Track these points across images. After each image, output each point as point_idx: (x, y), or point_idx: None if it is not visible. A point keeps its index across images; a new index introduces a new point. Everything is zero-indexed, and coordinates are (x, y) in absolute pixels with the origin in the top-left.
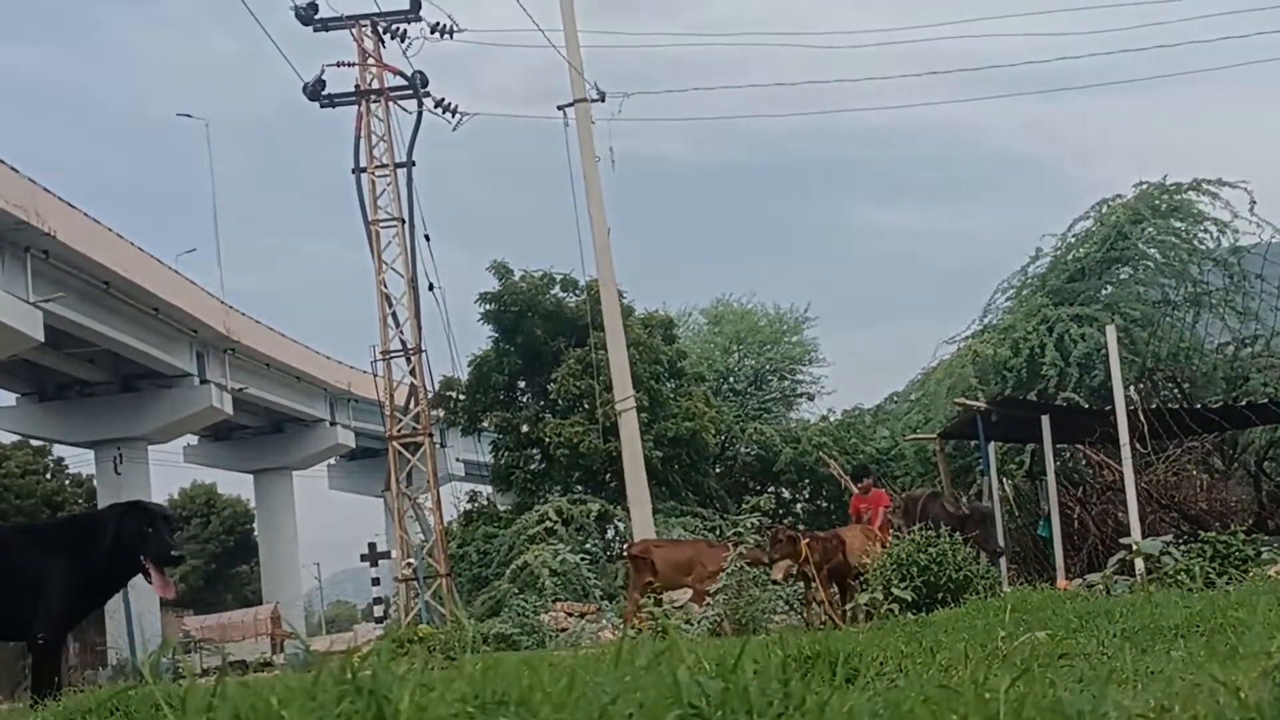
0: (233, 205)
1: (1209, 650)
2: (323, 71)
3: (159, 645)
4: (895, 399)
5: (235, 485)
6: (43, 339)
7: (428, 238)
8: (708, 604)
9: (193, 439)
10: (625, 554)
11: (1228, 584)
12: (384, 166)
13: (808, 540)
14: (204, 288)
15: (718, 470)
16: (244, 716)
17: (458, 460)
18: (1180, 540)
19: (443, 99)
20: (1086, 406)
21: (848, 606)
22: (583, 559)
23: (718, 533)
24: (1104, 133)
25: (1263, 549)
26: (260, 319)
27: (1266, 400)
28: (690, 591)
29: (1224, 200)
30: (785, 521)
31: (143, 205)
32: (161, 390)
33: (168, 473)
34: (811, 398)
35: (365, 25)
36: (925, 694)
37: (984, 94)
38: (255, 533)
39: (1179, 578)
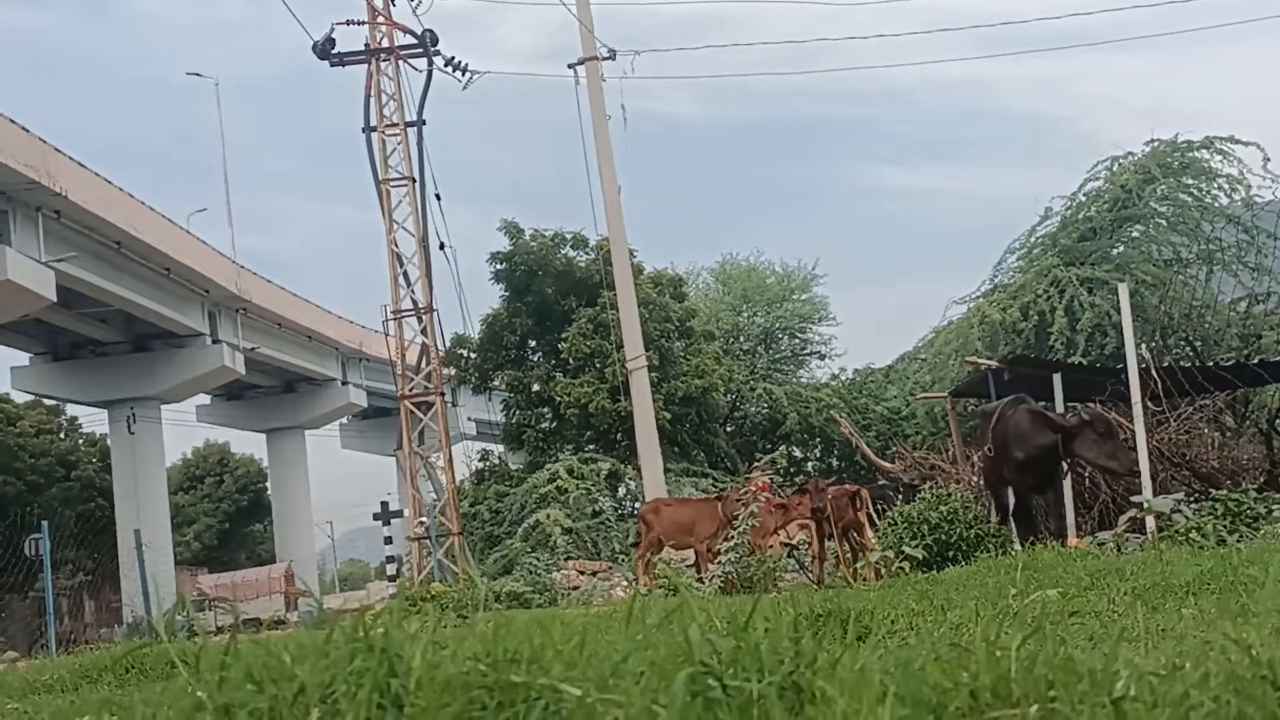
0: (243, 165)
1: (1220, 608)
2: (332, 30)
3: (173, 603)
4: (906, 358)
5: (248, 444)
6: (55, 299)
7: (439, 197)
8: (719, 561)
9: (205, 398)
10: (635, 514)
11: (1239, 542)
12: (394, 126)
13: (832, 494)
14: (215, 248)
15: (728, 430)
16: (257, 674)
17: (469, 419)
18: (1192, 498)
19: (453, 57)
20: (1099, 365)
21: (858, 565)
22: (594, 517)
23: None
24: (1116, 91)
25: (1274, 507)
26: (272, 279)
27: (1279, 358)
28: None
29: (1236, 157)
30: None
31: (153, 165)
32: (174, 350)
33: (181, 432)
34: (822, 356)
35: None
36: (937, 652)
37: (996, 52)
38: (268, 492)
39: (1190, 536)
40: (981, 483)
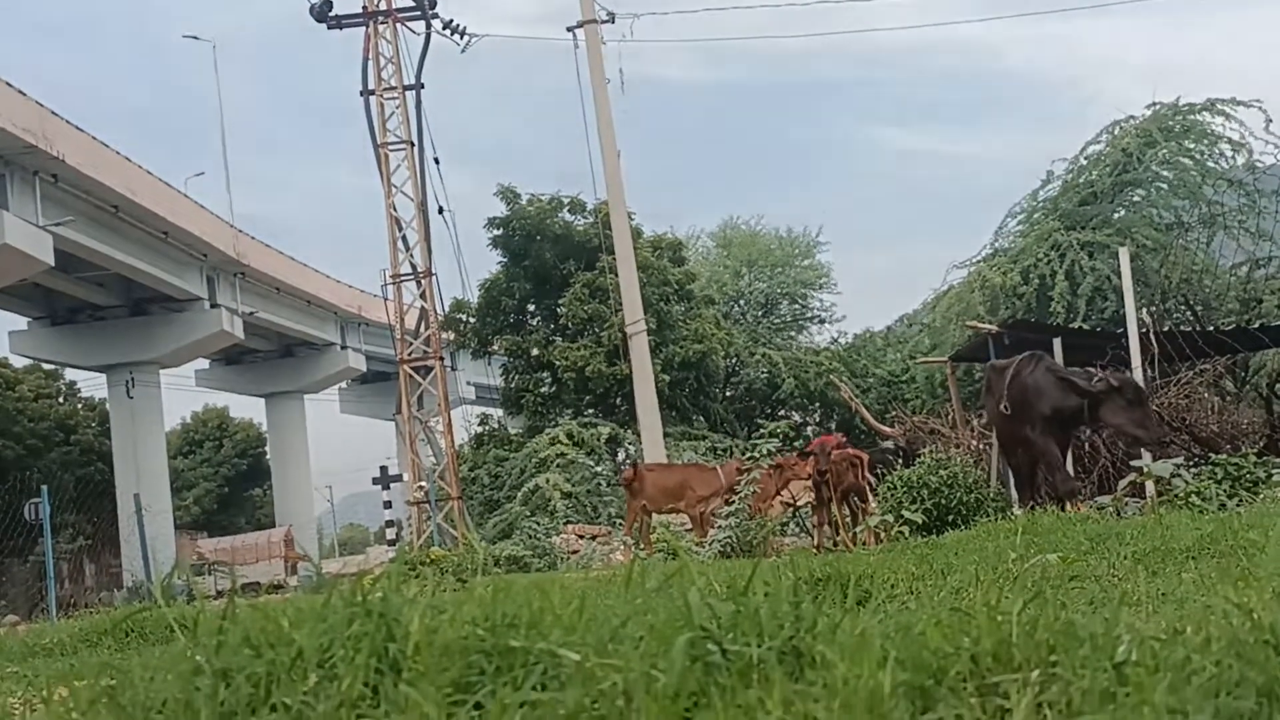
0: (241, 129)
1: (1221, 572)
2: None
3: (171, 568)
4: (905, 321)
5: (247, 409)
6: (53, 263)
7: (437, 161)
8: (719, 526)
9: (204, 363)
10: (619, 479)
11: (1239, 506)
12: (392, 89)
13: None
14: (214, 212)
15: (727, 394)
16: (254, 639)
17: (468, 384)
18: (1191, 463)
19: (451, 20)
20: (1099, 329)
21: (857, 529)
22: (595, 480)
23: (729, 455)
24: (1120, 53)
25: (1274, 471)
26: (270, 243)
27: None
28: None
29: (1238, 120)
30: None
31: (151, 129)
32: (172, 314)
33: (180, 396)
34: (822, 321)
35: None
36: (937, 616)
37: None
38: (267, 456)
39: (1190, 500)
40: (984, 445)
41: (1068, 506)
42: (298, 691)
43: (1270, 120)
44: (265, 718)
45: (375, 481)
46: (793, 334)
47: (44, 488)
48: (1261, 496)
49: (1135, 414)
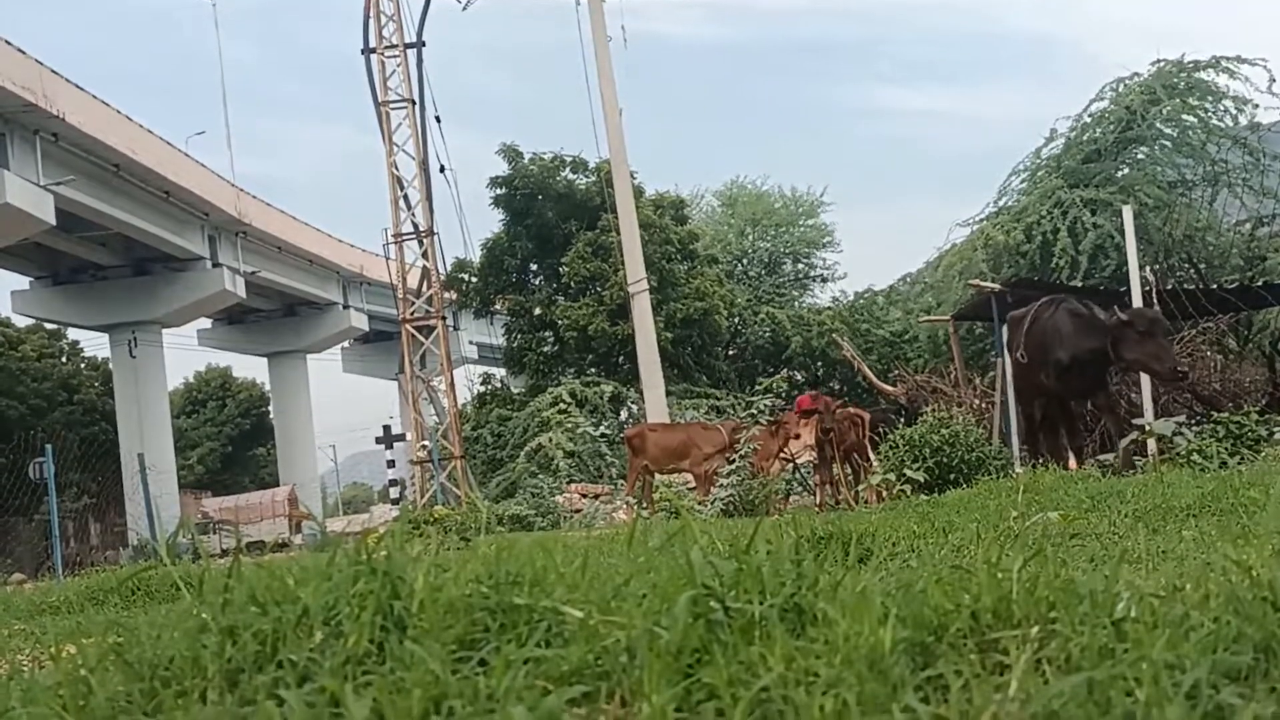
0: (243, 89)
1: (1221, 529)
2: None
3: (175, 527)
4: (908, 280)
5: (250, 368)
6: (54, 222)
7: (439, 120)
8: (721, 485)
9: (206, 322)
10: (622, 438)
11: (1240, 464)
12: (394, 47)
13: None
14: (215, 171)
15: (730, 353)
16: (260, 596)
17: (470, 343)
18: (1193, 421)
19: None
20: (1101, 288)
21: (859, 487)
22: (600, 437)
23: (731, 413)
24: (1123, 11)
25: (1276, 429)
26: (272, 202)
27: None
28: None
29: (1243, 77)
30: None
31: (151, 89)
32: (174, 273)
33: (182, 356)
34: (825, 280)
35: None
36: (938, 574)
37: None
38: (270, 415)
39: (1192, 458)
40: (985, 403)
41: (1071, 463)
42: (304, 648)
43: (1274, 79)
44: (271, 674)
45: (378, 441)
46: (796, 293)
47: (48, 446)
48: (1263, 455)
49: (1149, 346)
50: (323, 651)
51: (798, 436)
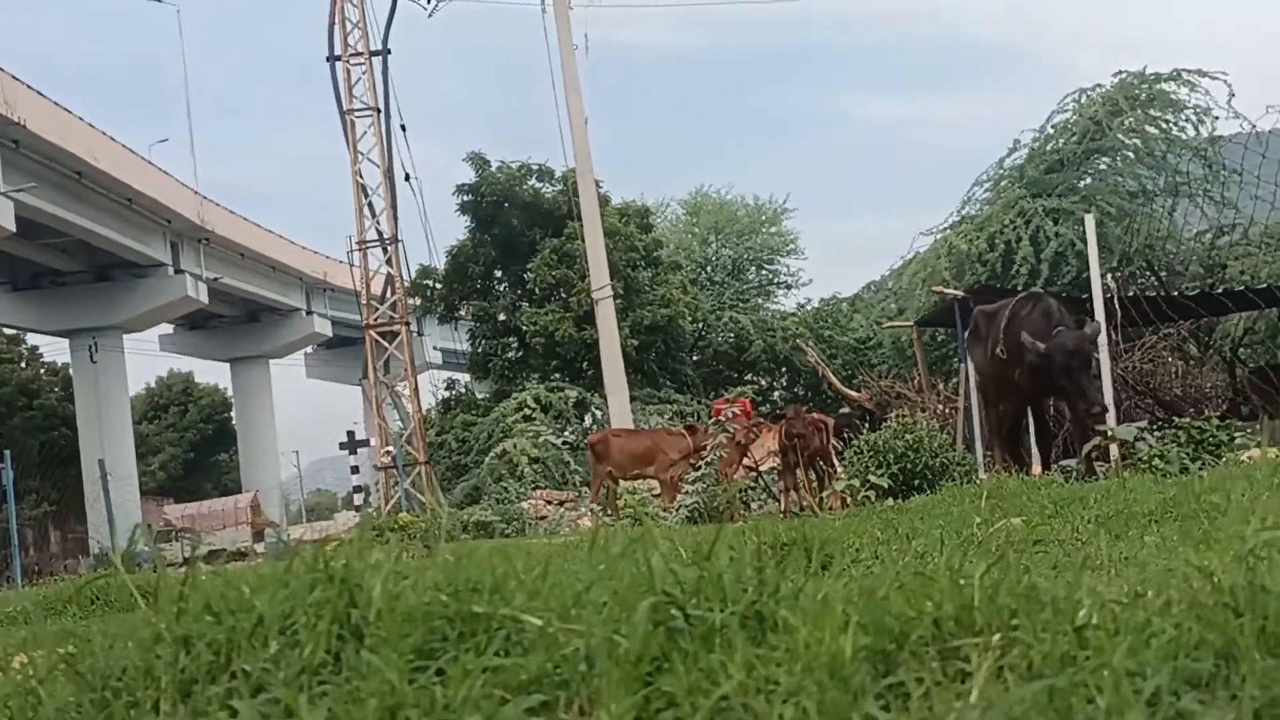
0: (207, 95)
1: (1183, 535)
2: None
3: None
4: (872, 288)
5: (212, 374)
6: (14, 229)
7: (404, 128)
8: (685, 491)
9: (168, 328)
10: (586, 445)
11: (1201, 469)
12: (359, 55)
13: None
14: (177, 178)
15: (694, 358)
16: (215, 605)
17: (435, 349)
18: (1155, 426)
19: None
20: (1064, 295)
21: (824, 494)
22: (564, 444)
23: (695, 420)
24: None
25: (1236, 434)
26: (235, 209)
27: (1243, 288)
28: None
29: (1203, 90)
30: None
31: (114, 95)
32: (136, 280)
33: (144, 361)
34: (790, 286)
35: None
36: (901, 580)
37: None
38: (233, 421)
39: (1153, 463)
40: (949, 409)
41: (1035, 468)
42: (259, 658)
43: (1233, 93)
44: (225, 685)
45: (342, 447)
46: (760, 299)
47: (7, 452)
48: (1224, 460)
49: (1064, 381)
50: (278, 661)
51: (738, 441)
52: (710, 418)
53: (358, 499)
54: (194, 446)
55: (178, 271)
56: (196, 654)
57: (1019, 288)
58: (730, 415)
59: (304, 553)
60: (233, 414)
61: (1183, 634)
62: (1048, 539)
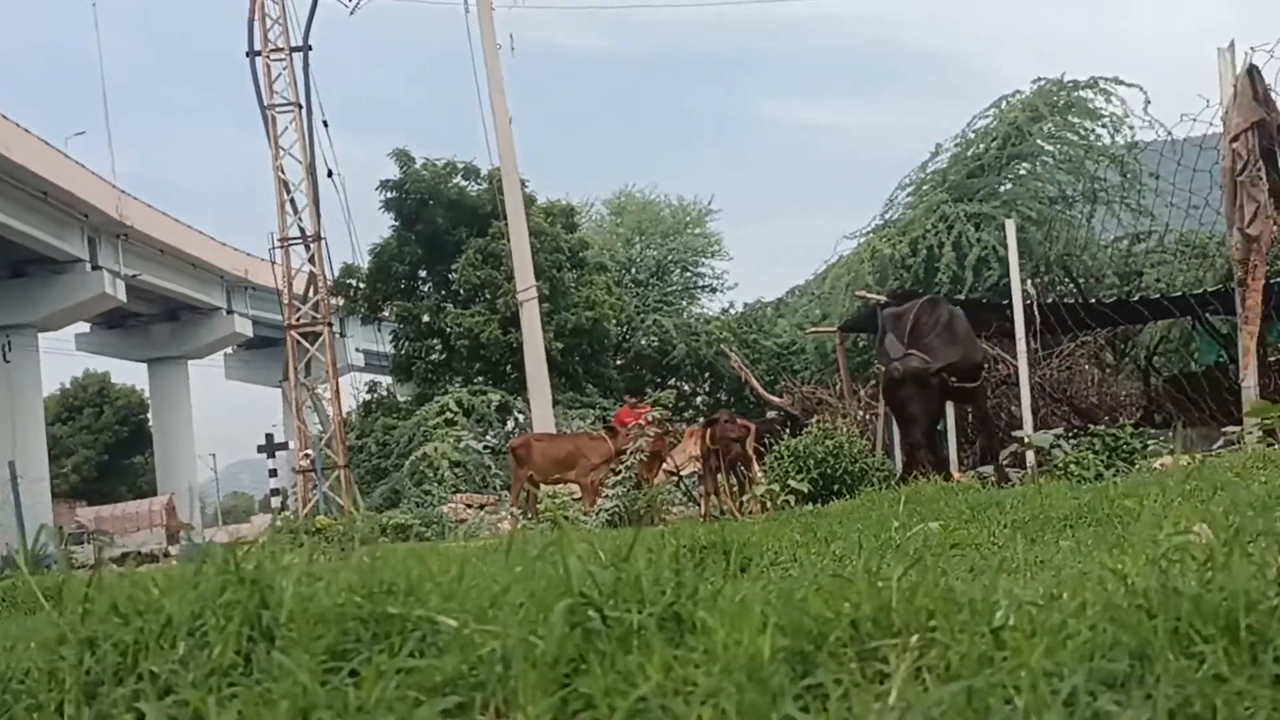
0: (126, 89)
1: (1097, 539)
2: None
3: (36, 534)
4: (796, 293)
5: (129, 374)
6: None
7: (326, 124)
8: (606, 495)
9: (85, 326)
10: (507, 449)
11: (1116, 475)
12: (279, 50)
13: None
14: (95, 172)
15: (618, 362)
16: (122, 606)
17: (357, 350)
18: (1071, 433)
19: None
20: (984, 301)
21: (744, 498)
22: (484, 449)
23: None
24: (1009, 28)
25: (1150, 441)
26: (154, 204)
27: (1159, 295)
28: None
29: (1120, 99)
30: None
31: (28, 88)
32: (52, 276)
33: (59, 361)
34: (714, 290)
35: None
36: (819, 583)
37: None
38: (150, 423)
39: (1069, 470)
40: (869, 415)
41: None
42: (167, 660)
43: (1149, 101)
44: (131, 686)
45: (260, 449)
46: (684, 302)
47: None
48: (1138, 466)
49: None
50: (186, 663)
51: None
52: (616, 424)
53: (275, 502)
54: (109, 449)
55: (95, 268)
56: (102, 655)
57: (941, 294)
58: (649, 420)
59: (215, 554)
60: (149, 415)
61: (1098, 635)
62: (965, 543)
